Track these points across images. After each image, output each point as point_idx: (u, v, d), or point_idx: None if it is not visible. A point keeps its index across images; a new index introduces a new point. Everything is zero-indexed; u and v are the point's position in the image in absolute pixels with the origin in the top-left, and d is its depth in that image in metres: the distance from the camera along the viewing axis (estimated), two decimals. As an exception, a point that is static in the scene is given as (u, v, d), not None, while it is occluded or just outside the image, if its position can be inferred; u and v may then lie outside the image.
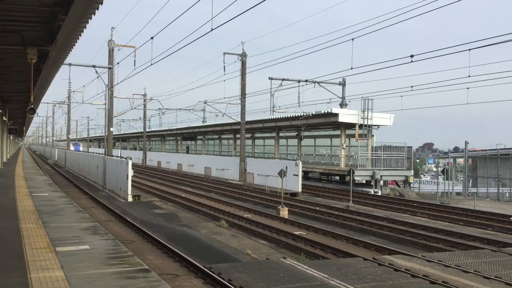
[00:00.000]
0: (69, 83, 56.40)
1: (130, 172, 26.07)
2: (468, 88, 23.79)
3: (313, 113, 35.72)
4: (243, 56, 36.32)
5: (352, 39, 21.02)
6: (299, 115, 36.58)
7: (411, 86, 25.23)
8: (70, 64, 32.95)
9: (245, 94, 36.90)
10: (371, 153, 34.97)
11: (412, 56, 17.78)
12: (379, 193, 32.44)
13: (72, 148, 71.28)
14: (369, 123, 34.21)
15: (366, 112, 34.06)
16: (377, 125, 35.77)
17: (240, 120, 37.95)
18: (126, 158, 27.92)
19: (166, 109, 51.66)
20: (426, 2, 16.04)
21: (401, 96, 29.59)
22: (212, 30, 14.77)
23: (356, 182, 33.71)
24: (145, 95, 55.65)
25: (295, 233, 17.00)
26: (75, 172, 47.62)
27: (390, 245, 15.33)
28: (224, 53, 35.37)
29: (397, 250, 13.93)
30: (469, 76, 19.79)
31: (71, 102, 59.49)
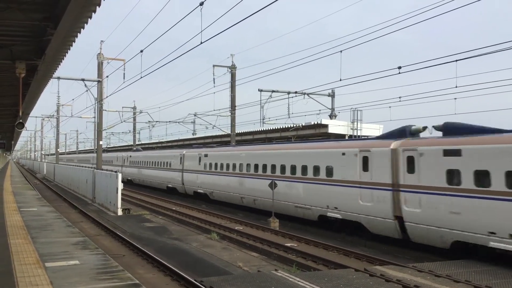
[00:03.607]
0: (58, 96, 56.19)
1: (120, 186, 25.91)
2: (455, 98, 24.01)
3: (303, 124, 35.85)
4: (232, 69, 36.44)
5: (341, 51, 21.15)
6: (289, 126, 36.70)
7: (399, 97, 25.39)
8: (59, 78, 32.86)
9: (235, 106, 36.98)
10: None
11: (399, 67, 17.93)
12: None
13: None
14: (358, 134, 34.39)
15: (355, 123, 34.26)
16: (366, 136, 35.95)
17: (230, 132, 37.98)
18: (115, 172, 27.77)
19: (156, 121, 51.49)
20: (414, 14, 16.26)
21: (390, 107, 29.73)
22: (201, 43, 14.81)
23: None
24: (134, 108, 55.54)
25: (286, 244, 16.98)
26: (64, 186, 47.22)
27: (381, 255, 15.34)
28: (214, 66, 35.47)
29: (388, 261, 13.95)
30: (456, 87, 19.97)
31: (60, 115, 59.19)
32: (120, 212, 25.96)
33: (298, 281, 11.05)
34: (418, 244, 15.66)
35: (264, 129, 40.19)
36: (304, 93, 35.70)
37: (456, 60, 16.99)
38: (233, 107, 36.84)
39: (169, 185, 38.48)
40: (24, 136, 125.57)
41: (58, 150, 70.66)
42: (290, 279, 11.23)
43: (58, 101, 56.52)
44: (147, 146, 67.26)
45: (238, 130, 40.31)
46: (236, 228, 20.89)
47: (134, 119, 56.79)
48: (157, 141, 65.22)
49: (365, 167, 17.45)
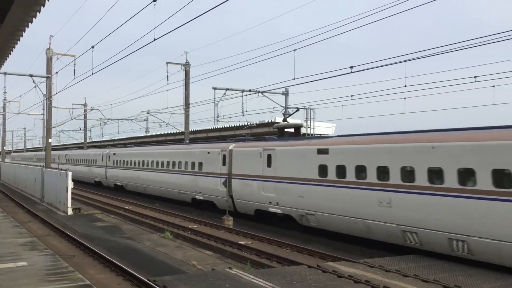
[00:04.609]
0: (5, 92, 54.20)
1: (70, 185, 25.26)
2: (405, 98, 24.78)
3: (257, 122, 36.03)
4: (186, 66, 36.13)
5: (295, 50, 21.40)
6: (243, 124, 36.79)
7: (351, 96, 25.96)
8: (5, 73, 31.61)
9: (189, 104, 36.72)
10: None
11: (351, 67, 18.31)
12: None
13: None
14: (311, 132, 34.84)
15: (308, 121, 34.68)
16: (319, 134, 36.47)
17: (184, 130, 37.69)
18: (65, 170, 27.05)
19: (108, 119, 50.39)
20: (367, 14, 16.63)
21: (342, 105, 30.35)
22: (155, 39, 14.63)
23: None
24: (85, 105, 54.25)
25: (240, 242, 17.03)
26: (11, 185, 45.58)
27: (333, 252, 15.63)
28: (168, 63, 35.06)
29: (340, 257, 14.23)
30: (405, 86, 20.58)
31: (7, 112, 57.05)
32: (70, 212, 25.30)
33: (252, 278, 11.12)
34: (370, 240, 16.07)
35: (218, 127, 40.12)
36: (258, 91, 35.81)
37: (406, 61, 17.52)
38: (187, 104, 36.55)
39: (96, 179, 44.04)
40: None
41: (5, 148, 68.04)
42: (244, 277, 11.28)
43: (5, 97, 54.50)
44: (97, 144, 65.84)
45: (193, 128, 40.06)
46: (190, 226, 20.77)
47: (85, 116, 55.50)
48: (109, 138, 63.93)
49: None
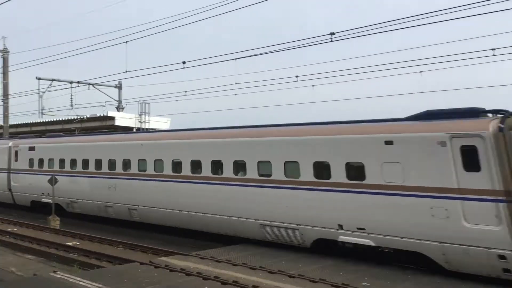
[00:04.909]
0: None
1: None
2: (235, 94, 25.55)
3: (88, 116, 34.34)
4: (4, 52, 32.95)
5: (126, 42, 20.84)
6: (73, 118, 34.75)
7: (185, 91, 26.13)
8: None
9: (8, 95, 33.52)
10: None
11: (184, 62, 18.44)
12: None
13: None
14: (146, 127, 34.33)
15: (143, 115, 34.09)
16: (155, 129, 36.05)
17: (3, 124, 34.32)
18: None
19: None
20: (201, 10, 16.85)
21: (177, 100, 30.24)
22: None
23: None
24: None
25: (67, 244, 16.15)
26: None
27: (167, 246, 15.58)
28: (-19, 49, 31.58)
29: (173, 251, 14.25)
30: (235, 84, 21.34)
31: None
32: None
33: (80, 281, 10.56)
34: (202, 232, 16.35)
35: (44, 120, 37.33)
36: (89, 84, 34.17)
37: (236, 59, 18.19)
38: (5, 95, 33.36)
39: None
40: None
41: None
42: (71, 280, 10.67)
43: None
44: None
45: (13, 121, 36.75)
46: (10, 229, 19.00)
47: None
48: None
49: None
